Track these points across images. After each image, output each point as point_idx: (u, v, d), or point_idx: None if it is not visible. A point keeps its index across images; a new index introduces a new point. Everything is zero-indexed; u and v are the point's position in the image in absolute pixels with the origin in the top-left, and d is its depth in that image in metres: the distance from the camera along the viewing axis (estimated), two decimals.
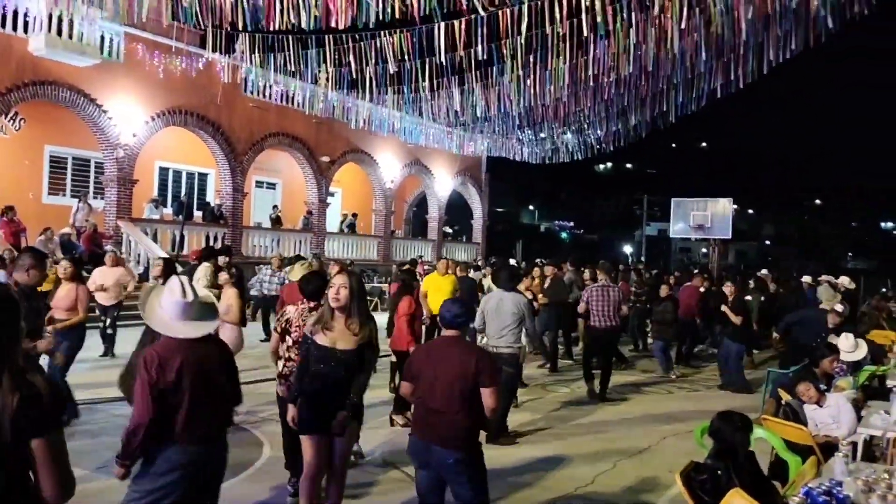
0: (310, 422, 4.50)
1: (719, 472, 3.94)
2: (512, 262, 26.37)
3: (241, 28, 12.44)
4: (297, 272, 8.56)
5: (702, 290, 13.62)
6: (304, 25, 10.95)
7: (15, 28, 14.96)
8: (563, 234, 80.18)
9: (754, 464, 4.29)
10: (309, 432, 4.52)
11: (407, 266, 14.88)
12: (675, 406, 9.75)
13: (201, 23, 11.84)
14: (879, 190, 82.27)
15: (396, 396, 7.65)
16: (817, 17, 10.37)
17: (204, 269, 10.42)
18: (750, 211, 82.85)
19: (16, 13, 14.91)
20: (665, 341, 12.02)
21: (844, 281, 15.08)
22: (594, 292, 9.94)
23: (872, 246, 77.14)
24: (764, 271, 19.42)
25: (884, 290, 24.99)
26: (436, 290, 10.58)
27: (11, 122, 17.25)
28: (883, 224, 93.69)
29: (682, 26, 10.82)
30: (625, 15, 10.90)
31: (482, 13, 11.12)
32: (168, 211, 19.63)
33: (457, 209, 33.38)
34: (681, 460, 4.38)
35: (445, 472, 4.04)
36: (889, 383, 7.50)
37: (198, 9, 11.15)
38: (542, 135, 24.22)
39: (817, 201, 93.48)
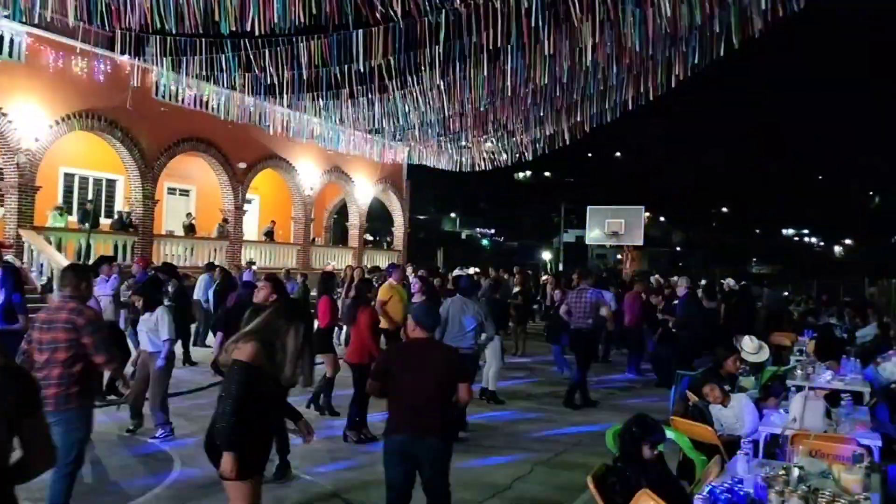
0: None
1: (628, 473, 4.05)
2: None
3: (151, 30, 12.05)
4: None
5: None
6: (218, 29, 10.73)
7: None
8: (485, 242, 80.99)
9: (663, 464, 4.44)
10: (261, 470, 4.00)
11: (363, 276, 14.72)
12: (592, 410, 9.98)
13: (109, 24, 11.41)
14: (781, 198, 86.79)
15: (350, 413, 7.68)
16: (719, 35, 10.91)
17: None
18: (662, 218, 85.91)
19: None
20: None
21: (730, 282, 16.93)
22: (573, 296, 10.46)
23: (775, 252, 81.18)
24: (656, 276, 20.58)
25: (785, 293, 26.35)
26: (399, 300, 10.23)
27: None
28: (784, 231, 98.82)
29: (595, 40, 11.16)
30: (539, 26, 11.12)
31: (380, 24, 11.14)
32: (73, 219, 18.78)
33: (378, 216, 33.25)
34: (595, 462, 4.49)
35: (432, 461, 4.33)
36: (788, 383, 7.88)
37: (104, 10, 10.74)
38: (463, 143, 24.43)
39: (724, 209, 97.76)
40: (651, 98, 13.58)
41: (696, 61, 11.48)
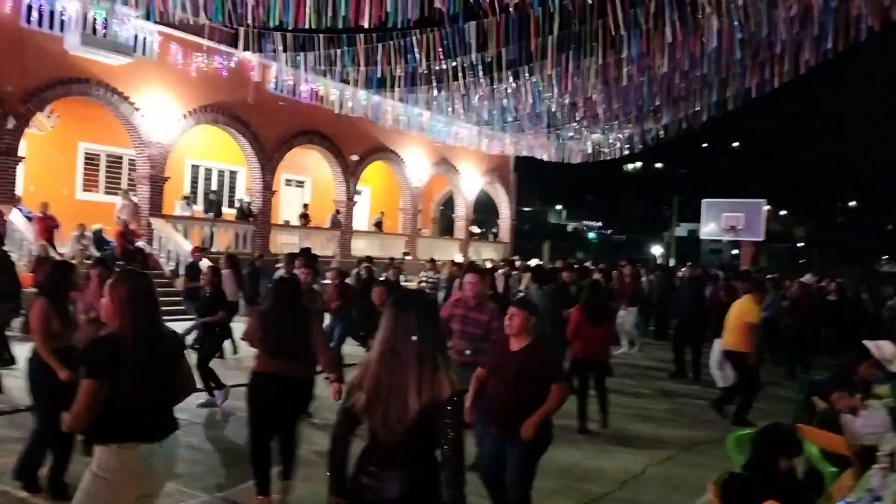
0: None
1: (756, 483, 3.83)
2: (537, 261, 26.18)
3: (272, 27, 12.50)
4: None
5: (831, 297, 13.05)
6: (331, 25, 11.00)
7: (52, 27, 15.20)
8: (591, 234, 79.57)
9: (794, 476, 4.17)
10: None
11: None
12: (708, 412, 9.60)
13: (233, 22, 11.93)
14: None
15: None
16: (858, 18, 10.16)
17: None
18: (782, 212, 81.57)
19: (52, 12, 15.16)
20: None
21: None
22: None
23: None
24: (807, 275, 19.65)
25: None
26: None
27: (47, 118, 17.52)
28: None
29: (720, 25, 10.67)
30: (659, 11, 10.74)
31: (510, 13, 11.04)
32: (199, 208, 19.83)
33: (484, 208, 33.27)
34: (710, 467, 4.29)
35: None
36: None
37: (230, 8, 11.23)
38: (571, 134, 24.01)
39: (852, 203, 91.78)
40: (777, 86, 12.83)
41: (829, 46, 10.75)
